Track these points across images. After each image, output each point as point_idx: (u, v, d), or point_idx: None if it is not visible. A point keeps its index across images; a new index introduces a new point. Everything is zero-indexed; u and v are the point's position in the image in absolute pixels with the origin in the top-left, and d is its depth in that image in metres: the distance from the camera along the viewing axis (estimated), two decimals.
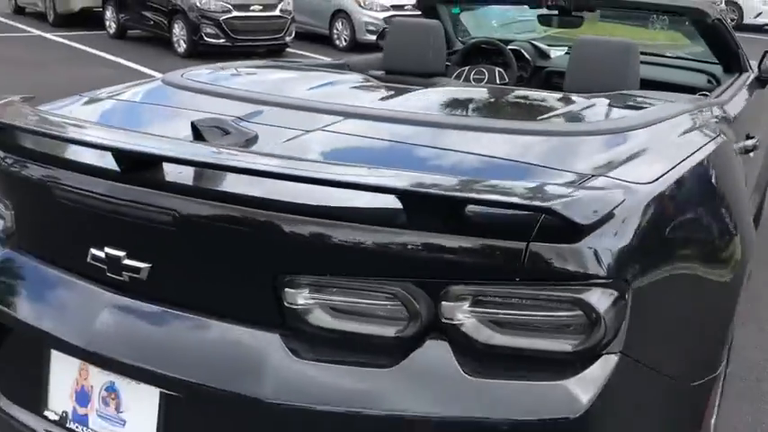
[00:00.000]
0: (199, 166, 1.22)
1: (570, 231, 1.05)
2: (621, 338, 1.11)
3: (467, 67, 3.16)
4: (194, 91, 1.74)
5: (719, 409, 1.85)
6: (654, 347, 1.22)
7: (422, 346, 1.13)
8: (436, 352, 1.12)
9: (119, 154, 1.24)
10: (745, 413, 2.28)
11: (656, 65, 3.32)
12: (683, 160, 1.45)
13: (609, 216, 1.09)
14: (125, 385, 1.30)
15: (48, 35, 11.17)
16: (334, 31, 10.87)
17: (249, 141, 1.36)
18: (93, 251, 1.29)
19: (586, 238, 1.08)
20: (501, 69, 3.16)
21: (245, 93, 1.72)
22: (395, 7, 10.50)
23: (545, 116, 1.75)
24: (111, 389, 1.32)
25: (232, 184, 1.21)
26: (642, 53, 2.57)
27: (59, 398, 1.38)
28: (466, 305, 1.10)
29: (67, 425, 1.37)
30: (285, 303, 1.17)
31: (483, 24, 3.83)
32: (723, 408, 1.91)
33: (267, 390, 1.14)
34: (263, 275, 1.19)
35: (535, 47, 3.54)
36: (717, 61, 3.10)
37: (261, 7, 9.54)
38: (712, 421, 1.66)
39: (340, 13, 10.72)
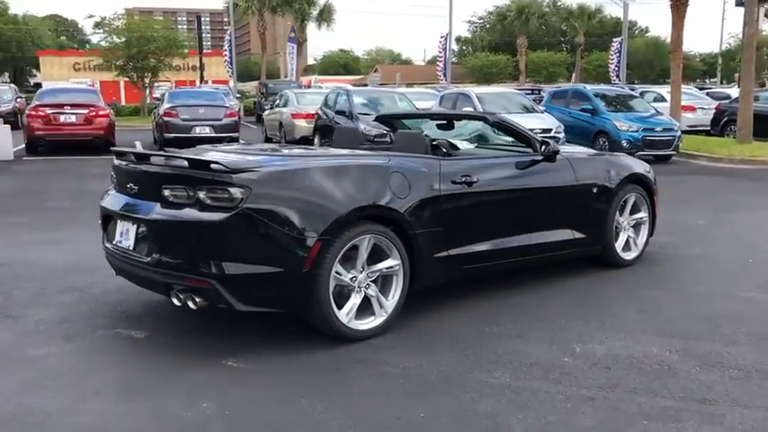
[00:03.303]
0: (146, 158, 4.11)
1: (225, 169, 3.70)
2: (245, 204, 3.66)
3: None
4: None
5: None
6: (267, 212, 3.72)
7: (192, 204, 3.77)
8: (195, 207, 3.76)
9: (134, 155, 4.17)
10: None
11: (487, 148, 5.66)
12: (320, 164, 4.01)
13: (249, 168, 3.73)
14: (129, 226, 4.12)
15: None
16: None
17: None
18: (128, 184, 4.18)
19: (240, 173, 3.70)
20: None
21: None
22: None
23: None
24: (128, 229, 4.15)
25: (160, 161, 4.05)
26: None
27: (117, 235, 4.25)
28: (204, 193, 3.75)
29: (117, 243, 4.23)
30: (163, 194, 3.90)
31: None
32: None
33: (154, 216, 3.88)
34: (157, 187, 3.91)
35: (449, 141, 5.97)
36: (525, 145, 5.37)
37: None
38: (333, 273, 3.91)
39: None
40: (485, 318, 4.55)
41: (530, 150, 5.33)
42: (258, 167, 3.82)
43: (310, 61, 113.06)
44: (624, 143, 13.99)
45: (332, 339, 4.06)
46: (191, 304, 3.85)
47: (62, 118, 14.30)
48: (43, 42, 66.28)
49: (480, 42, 70.41)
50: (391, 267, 4.25)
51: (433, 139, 5.84)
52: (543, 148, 5.22)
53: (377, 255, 4.20)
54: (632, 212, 5.96)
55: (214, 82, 46.21)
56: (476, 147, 6.15)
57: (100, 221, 4.55)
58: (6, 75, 66.61)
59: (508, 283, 5.22)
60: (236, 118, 15.74)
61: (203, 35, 67.27)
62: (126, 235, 4.14)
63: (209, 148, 4.85)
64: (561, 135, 13.77)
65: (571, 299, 5.01)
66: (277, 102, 18.24)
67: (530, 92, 20.72)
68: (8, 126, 14.13)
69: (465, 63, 61.02)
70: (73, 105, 14.44)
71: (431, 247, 4.44)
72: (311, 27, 40.20)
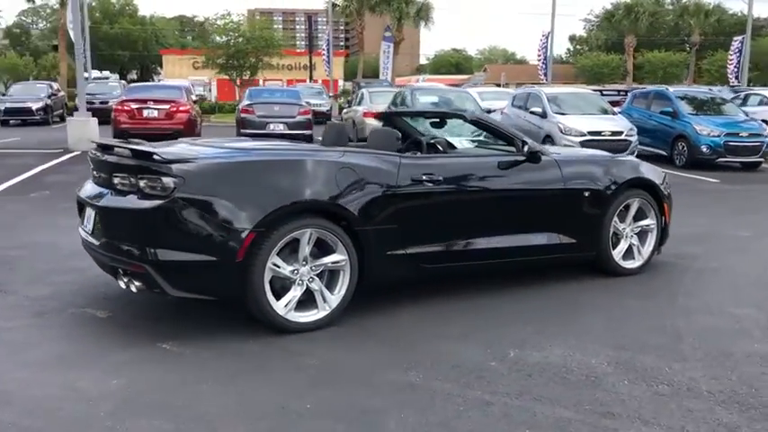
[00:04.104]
0: (110, 150, 4.34)
1: (161, 159, 3.87)
2: (177, 194, 3.82)
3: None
4: None
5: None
6: (200, 201, 3.87)
7: (135, 192, 3.97)
8: (137, 195, 3.96)
9: (98, 145, 4.43)
10: None
11: (488, 147, 5.54)
12: (261, 158, 4.12)
13: (184, 159, 3.89)
14: (91, 212, 4.38)
15: None
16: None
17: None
18: (94, 173, 4.45)
19: (174, 164, 3.87)
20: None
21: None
22: (591, 133, 12.67)
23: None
24: (91, 215, 4.41)
25: (121, 153, 4.28)
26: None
27: (85, 220, 4.52)
28: (144, 182, 3.93)
29: (84, 228, 4.49)
30: (113, 183, 4.13)
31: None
32: None
33: (103, 203, 4.13)
34: (110, 176, 4.15)
35: (447, 141, 5.91)
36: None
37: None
38: (268, 266, 3.98)
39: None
40: (439, 318, 4.50)
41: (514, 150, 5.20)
42: (194, 159, 3.97)
43: (423, 60, 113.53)
44: (704, 148, 13.24)
45: (272, 329, 4.14)
46: (132, 287, 4.05)
47: (145, 113, 15.20)
48: (167, 41, 70.21)
49: (595, 41, 68.03)
50: (337, 262, 4.28)
51: (432, 137, 5.81)
52: (525, 148, 5.07)
53: (324, 249, 4.25)
54: (637, 219, 5.66)
55: (324, 82, 47.43)
56: (476, 146, 6.06)
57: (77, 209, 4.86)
58: (134, 72, 71.24)
59: (487, 284, 5.12)
60: (308, 116, 16.15)
61: (317, 35, 68.86)
62: (89, 220, 4.41)
63: (187, 140, 5.08)
64: (633, 138, 13.20)
65: (545, 303, 4.86)
66: (354, 100, 18.50)
67: (616, 93, 19.94)
68: (95, 119, 15.24)
69: (577, 62, 59.27)
70: (156, 101, 15.32)
71: (383, 244, 4.43)
72: (421, 26, 40.45)
